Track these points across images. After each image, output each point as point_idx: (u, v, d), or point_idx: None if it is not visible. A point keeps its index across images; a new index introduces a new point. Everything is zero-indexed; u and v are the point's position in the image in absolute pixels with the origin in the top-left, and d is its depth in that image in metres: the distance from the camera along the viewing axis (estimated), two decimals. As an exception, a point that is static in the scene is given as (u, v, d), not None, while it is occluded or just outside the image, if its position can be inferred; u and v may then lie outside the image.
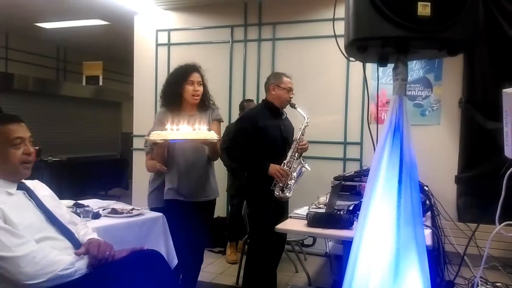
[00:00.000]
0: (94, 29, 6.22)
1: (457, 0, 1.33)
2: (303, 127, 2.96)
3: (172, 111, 2.67)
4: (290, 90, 2.97)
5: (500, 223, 1.76)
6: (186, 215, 2.64)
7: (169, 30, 4.99)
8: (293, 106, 2.98)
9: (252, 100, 4.34)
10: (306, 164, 2.94)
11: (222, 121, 2.85)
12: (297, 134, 2.96)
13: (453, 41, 1.37)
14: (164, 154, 2.62)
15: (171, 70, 2.82)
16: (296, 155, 2.92)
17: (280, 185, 2.84)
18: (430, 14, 1.30)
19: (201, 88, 2.67)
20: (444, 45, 1.40)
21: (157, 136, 2.39)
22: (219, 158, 2.93)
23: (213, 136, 2.43)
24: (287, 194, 2.87)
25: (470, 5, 1.34)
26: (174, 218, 2.62)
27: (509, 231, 1.75)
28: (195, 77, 2.66)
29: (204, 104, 2.75)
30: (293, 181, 2.87)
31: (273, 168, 2.83)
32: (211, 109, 2.79)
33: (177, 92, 2.67)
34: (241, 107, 4.27)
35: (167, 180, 2.70)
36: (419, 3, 1.30)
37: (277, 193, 2.84)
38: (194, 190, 2.67)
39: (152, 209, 2.74)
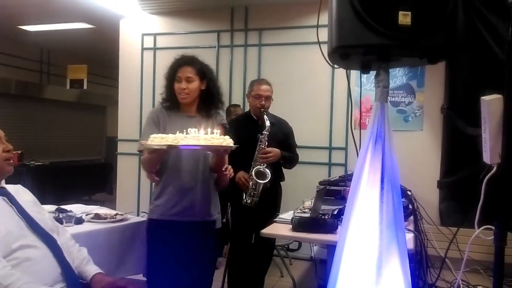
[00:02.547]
0: (79, 32, 6.16)
1: (437, 9, 1.36)
2: (263, 136, 2.90)
3: (170, 109, 2.29)
4: (260, 96, 2.95)
5: (479, 227, 1.79)
6: (185, 239, 2.19)
7: (155, 34, 4.97)
8: (263, 113, 2.94)
9: (239, 106, 4.36)
10: (267, 172, 2.87)
11: (227, 127, 2.39)
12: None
13: (433, 49, 1.40)
14: (159, 162, 2.16)
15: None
16: (256, 163, 2.88)
17: (249, 191, 2.86)
18: (411, 23, 1.33)
19: (190, 85, 2.21)
20: (424, 53, 1.43)
21: (160, 141, 1.88)
22: None
23: (229, 143, 1.97)
24: (253, 200, 2.85)
25: (450, 14, 1.37)
26: (166, 242, 2.19)
27: (488, 234, 1.78)
28: (183, 72, 2.22)
29: (207, 105, 2.31)
30: (253, 188, 2.85)
31: (237, 175, 2.84)
32: (215, 112, 2.36)
33: (171, 90, 2.27)
34: (228, 112, 4.27)
35: (156, 194, 2.24)
36: (400, 12, 1.33)
37: (244, 200, 2.87)
38: (194, 208, 2.21)
39: None
